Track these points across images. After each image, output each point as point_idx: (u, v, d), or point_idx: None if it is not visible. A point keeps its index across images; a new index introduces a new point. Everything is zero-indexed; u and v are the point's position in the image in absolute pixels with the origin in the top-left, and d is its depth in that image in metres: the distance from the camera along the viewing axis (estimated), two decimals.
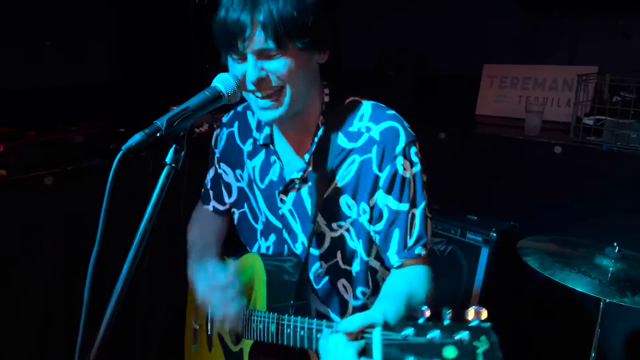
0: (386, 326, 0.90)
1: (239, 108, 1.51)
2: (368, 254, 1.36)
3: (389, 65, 3.26)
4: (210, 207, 1.64)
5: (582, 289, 1.69)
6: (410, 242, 1.28)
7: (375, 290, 1.40)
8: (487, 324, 0.84)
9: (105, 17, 2.57)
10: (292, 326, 1.20)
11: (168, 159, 1.04)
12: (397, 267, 1.30)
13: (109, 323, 0.99)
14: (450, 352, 0.82)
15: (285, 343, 1.24)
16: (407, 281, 1.26)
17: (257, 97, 1.22)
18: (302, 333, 1.17)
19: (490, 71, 3.22)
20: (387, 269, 1.36)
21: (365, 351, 0.96)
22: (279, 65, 1.17)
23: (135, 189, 2.05)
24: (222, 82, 1.13)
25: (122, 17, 2.62)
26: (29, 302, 1.94)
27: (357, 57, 3.29)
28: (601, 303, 1.85)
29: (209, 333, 1.63)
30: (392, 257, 1.30)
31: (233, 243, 1.61)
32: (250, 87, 1.20)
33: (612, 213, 2.35)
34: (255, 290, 1.36)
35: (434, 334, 0.84)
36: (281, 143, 1.37)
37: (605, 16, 2.81)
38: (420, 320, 0.88)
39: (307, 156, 1.31)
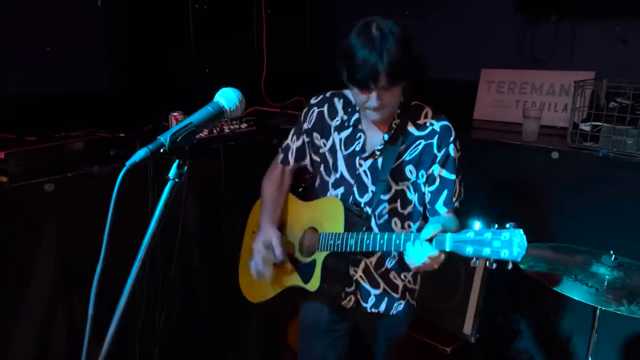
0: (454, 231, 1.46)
1: (327, 94, 1.98)
2: (420, 203, 1.91)
3: None
4: (288, 168, 2.10)
5: (578, 298, 1.71)
6: (454, 200, 1.84)
7: (416, 222, 1.95)
8: (519, 229, 1.33)
9: (104, 23, 2.57)
10: (372, 238, 1.70)
11: (171, 174, 1.05)
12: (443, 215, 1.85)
13: (113, 336, 1.00)
14: (497, 243, 1.34)
15: (359, 249, 1.72)
16: (445, 219, 1.81)
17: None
18: (381, 241, 1.66)
19: (487, 76, 3.24)
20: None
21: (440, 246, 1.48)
22: (391, 97, 1.68)
23: (136, 195, 2.07)
24: (224, 98, 1.15)
25: (121, 23, 2.63)
26: (29, 308, 1.95)
27: None
28: (598, 311, 1.87)
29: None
30: (440, 208, 1.84)
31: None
32: (369, 108, 1.70)
33: (609, 219, 2.37)
34: (335, 221, 1.82)
35: (487, 233, 1.36)
36: (367, 125, 1.88)
37: (602, 22, 2.83)
38: (478, 227, 1.39)
39: (386, 136, 1.83)
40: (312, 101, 2.02)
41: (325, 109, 1.98)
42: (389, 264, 1.92)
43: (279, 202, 2.10)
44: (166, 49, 2.71)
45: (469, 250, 1.38)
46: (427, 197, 1.87)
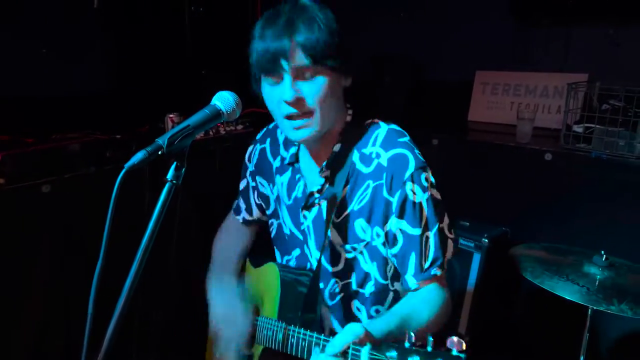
0: (373, 345, 1.01)
1: (271, 125, 1.61)
2: (384, 277, 1.42)
3: (384, 71, 3.29)
4: (240, 219, 1.74)
5: (570, 297, 1.73)
6: (426, 265, 1.34)
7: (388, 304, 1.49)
8: (462, 355, 0.91)
9: (101, 25, 2.57)
10: (295, 337, 1.28)
11: (169, 176, 1.06)
12: (414, 290, 1.36)
13: (112, 336, 1.01)
14: None
15: (289, 352, 1.32)
16: (413, 302, 1.32)
17: (292, 117, 1.30)
18: (303, 344, 1.26)
19: (482, 78, 3.27)
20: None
21: None
22: (313, 86, 1.27)
23: (132, 197, 2.08)
24: (221, 101, 1.16)
25: (118, 25, 2.63)
26: (27, 309, 1.95)
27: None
28: (589, 310, 1.89)
29: None
30: (410, 280, 1.35)
31: (260, 248, 1.72)
32: (286, 108, 1.28)
33: (601, 219, 2.40)
34: (270, 299, 1.43)
35: (414, 359, 0.94)
36: (305, 159, 1.45)
37: (595, 25, 2.86)
38: (406, 345, 0.96)
39: (324, 164, 1.37)
40: (257, 136, 1.68)
41: (267, 145, 1.59)
42: None
43: (228, 264, 1.67)
44: (162, 51, 2.72)
45: None
46: (394, 263, 1.39)
